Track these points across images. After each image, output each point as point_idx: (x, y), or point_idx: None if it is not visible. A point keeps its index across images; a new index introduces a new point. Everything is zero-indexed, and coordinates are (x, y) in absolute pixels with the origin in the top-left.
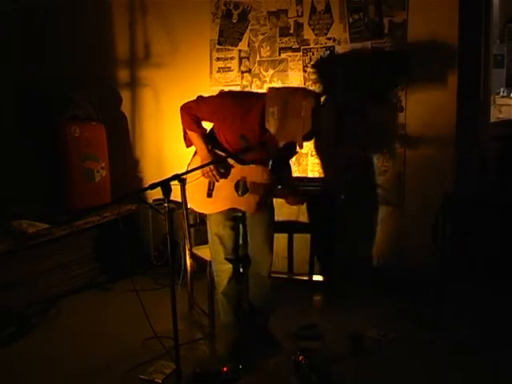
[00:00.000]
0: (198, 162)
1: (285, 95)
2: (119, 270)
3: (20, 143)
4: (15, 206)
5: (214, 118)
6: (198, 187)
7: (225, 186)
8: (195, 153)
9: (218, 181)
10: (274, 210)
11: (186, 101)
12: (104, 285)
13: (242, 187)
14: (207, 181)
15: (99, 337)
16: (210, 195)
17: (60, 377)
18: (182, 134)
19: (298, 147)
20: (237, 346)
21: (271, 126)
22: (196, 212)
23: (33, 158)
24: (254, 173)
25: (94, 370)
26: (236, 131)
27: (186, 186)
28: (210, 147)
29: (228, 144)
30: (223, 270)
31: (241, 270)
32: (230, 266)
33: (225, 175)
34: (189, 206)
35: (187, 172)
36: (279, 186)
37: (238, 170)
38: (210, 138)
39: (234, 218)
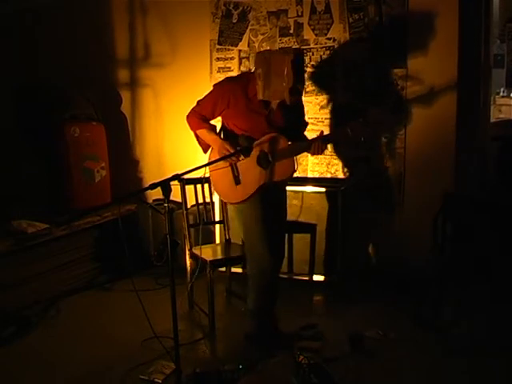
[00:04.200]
0: (216, 156)
1: (267, 56)
2: (119, 270)
3: (20, 143)
4: (15, 206)
5: (218, 107)
6: (224, 180)
7: (249, 167)
8: (212, 150)
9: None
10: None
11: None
12: (104, 285)
13: (264, 160)
14: (230, 171)
15: (99, 337)
16: (238, 182)
17: (60, 377)
18: (182, 134)
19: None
20: (276, 328)
21: (259, 88)
22: (198, 212)
23: (33, 158)
24: (270, 143)
25: (94, 370)
26: (243, 110)
27: (213, 185)
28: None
29: (242, 130)
30: (266, 262)
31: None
32: (271, 258)
33: (247, 153)
34: (225, 201)
35: (188, 172)
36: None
37: (255, 148)
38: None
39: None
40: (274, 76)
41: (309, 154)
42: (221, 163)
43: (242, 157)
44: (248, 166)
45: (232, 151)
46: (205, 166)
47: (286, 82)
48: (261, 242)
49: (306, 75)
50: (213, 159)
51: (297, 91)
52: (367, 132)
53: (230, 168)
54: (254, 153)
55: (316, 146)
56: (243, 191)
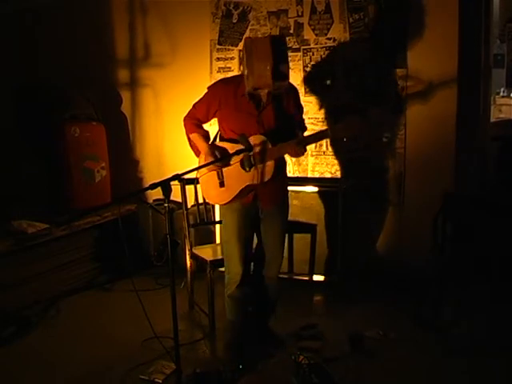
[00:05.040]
0: (203, 161)
1: (248, 43)
2: (119, 270)
3: (20, 143)
4: (15, 206)
5: (211, 108)
6: (209, 183)
7: (233, 170)
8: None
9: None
10: (288, 211)
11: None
12: (104, 285)
13: (246, 162)
14: (215, 174)
15: (99, 337)
16: (222, 184)
17: (60, 377)
18: (182, 134)
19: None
20: (239, 345)
21: (245, 79)
22: (199, 211)
23: (33, 158)
24: (254, 145)
25: (94, 370)
26: (232, 111)
27: (200, 186)
28: (210, 144)
29: (234, 132)
30: (235, 272)
31: (251, 271)
32: (242, 269)
33: (226, 163)
34: (210, 203)
35: (188, 172)
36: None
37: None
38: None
39: (251, 210)
40: (257, 61)
41: (309, 157)
42: (206, 170)
43: (219, 164)
44: (232, 168)
45: (211, 160)
46: (204, 166)
47: (268, 66)
48: (232, 250)
49: (308, 73)
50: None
51: (280, 75)
52: (349, 132)
53: (215, 174)
54: (238, 157)
55: (292, 150)
56: (227, 193)
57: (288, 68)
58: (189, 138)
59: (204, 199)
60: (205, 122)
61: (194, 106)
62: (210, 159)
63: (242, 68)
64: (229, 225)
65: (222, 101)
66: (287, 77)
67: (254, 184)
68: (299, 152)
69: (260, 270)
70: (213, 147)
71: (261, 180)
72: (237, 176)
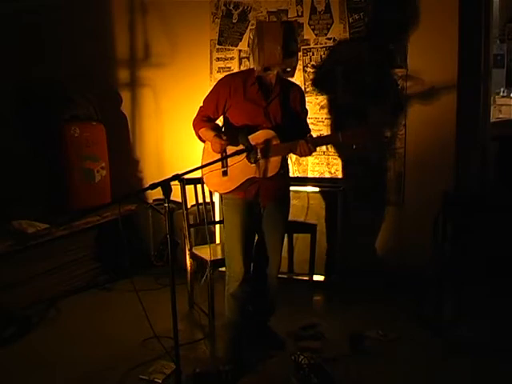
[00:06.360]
0: (209, 155)
1: (259, 26)
2: (119, 270)
3: (20, 143)
4: (15, 207)
5: (221, 100)
6: (212, 171)
7: (238, 161)
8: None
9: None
10: (289, 210)
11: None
12: (104, 285)
13: (252, 155)
14: (220, 163)
15: (99, 337)
16: (225, 173)
17: (60, 377)
18: (182, 134)
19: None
20: (239, 345)
21: (256, 59)
22: (198, 212)
23: (33, 158)
24: (261, 138)
25: (94, 370)
26: (240, 100)
27: (202, 174)
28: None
29: (239, 124)
30: (237, 271)
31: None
32: (244, 267)
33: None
34: (209, 190)
35: (188, 172)
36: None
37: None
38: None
39: (252, 207)
40: (268, 40)
41: (309, 157)
42: (210, 158)
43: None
44: (237, 159)
45: (223, 142)
46: (204, 166)
47: (279, 44)
48: (234, 248)
49: (308, 73)
50: (205, 158)
51: (289, 52)
52: (360, 140)
53: (220, 163)
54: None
55: (302, 148)
56: (229, 183)
57: (297, 47)
58: (200, 138)
59: (204, 199)
60: (216, 119)
61: (200, 107)
62: (217, 145)
63: (250, 52)
64: (231, 222)
65: (232, 90)
66: (296, 53)
67: (257, 177)
68: (312, 150)
69: (260, 268)
70: (219, 134)
71: (265, 174)
72: (241, 167)
